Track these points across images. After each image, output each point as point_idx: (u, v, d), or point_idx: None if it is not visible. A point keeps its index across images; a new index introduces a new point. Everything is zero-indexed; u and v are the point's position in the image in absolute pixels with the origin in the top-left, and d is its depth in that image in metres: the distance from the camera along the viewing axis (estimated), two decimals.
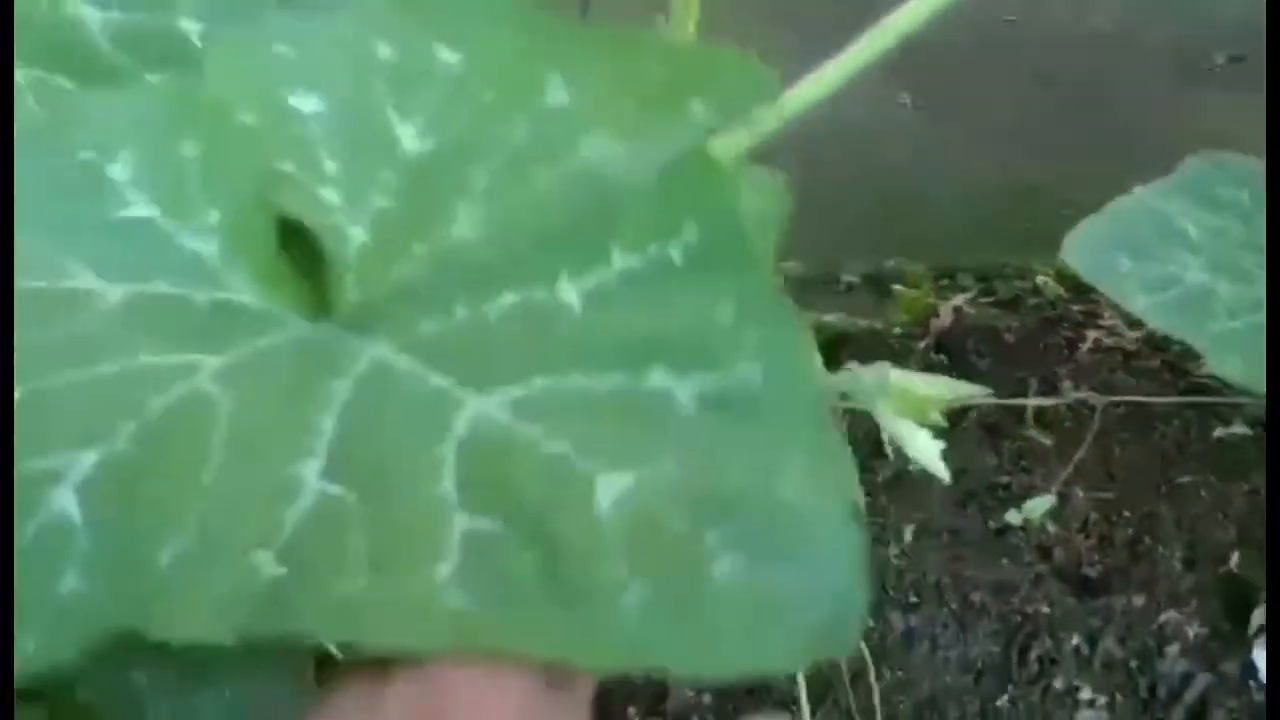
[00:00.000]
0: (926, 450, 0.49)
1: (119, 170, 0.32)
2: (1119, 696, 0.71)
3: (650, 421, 0.27)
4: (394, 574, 0.23)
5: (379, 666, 0.29)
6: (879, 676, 0.71)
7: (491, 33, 0.36)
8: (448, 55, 0.35)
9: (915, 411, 0.50)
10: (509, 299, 0.30)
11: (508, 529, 0.24)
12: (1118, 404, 0.88)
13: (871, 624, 0.72)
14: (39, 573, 0.24)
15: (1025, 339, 0.96)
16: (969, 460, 0.83)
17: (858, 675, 0.70)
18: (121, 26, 0.42)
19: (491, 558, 0.24)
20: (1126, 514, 0.80)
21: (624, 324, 0.29)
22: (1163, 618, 0.75)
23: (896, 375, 0.50)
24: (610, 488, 0.25)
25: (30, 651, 0.23)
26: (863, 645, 0.70)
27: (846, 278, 1.04)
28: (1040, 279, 1.04)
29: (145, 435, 0.27)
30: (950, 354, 0.96)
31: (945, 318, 1.00)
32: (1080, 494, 0.81)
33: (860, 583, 0.22)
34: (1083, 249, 0.67)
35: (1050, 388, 0.91)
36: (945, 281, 1.04)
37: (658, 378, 0.27)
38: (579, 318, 0.29)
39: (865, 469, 0.80)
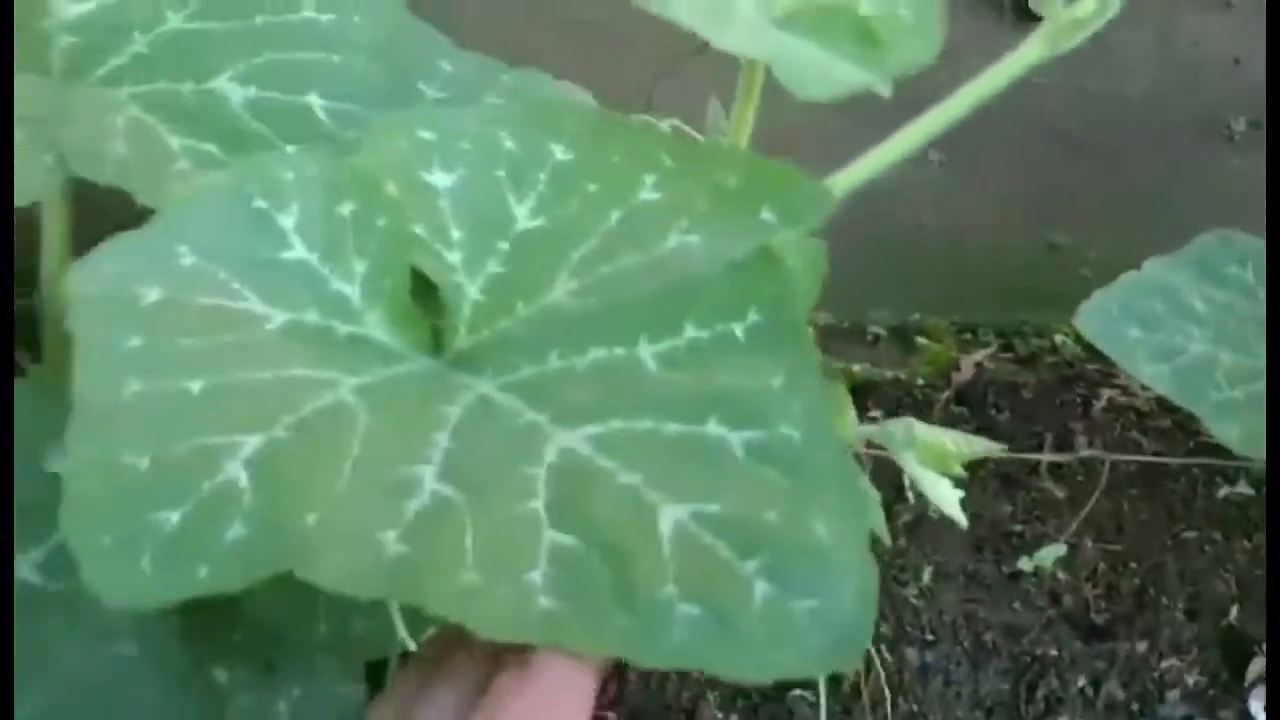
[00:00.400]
0: (947, 498, 0.55)
1: (287, 219, 0.39)
2: None
3: (706, 463, 0.33)
4: (496, 574, 0.29)
5: (429, 665, 0.35)
6: (894, 707, 0.75)
7: (598, 136, 0.42)
8: (560, 152, 0.42)
9: (938, 463, 0.55)
10: (596, 354, 0.36)
11: (587, 545, 0.30)
12: (1128, 461, 0.92)
13: (889, 658, 0.77)
14: (213, 521, 0.30)
15: (1042, 394, 1.01)
16: (985, 508, 0.88)
17: (876, 705, 0.75)
18: (257, 101, 0.49)
19: (573, 569, 0.30)
20: (1133, 565, 0.85)
21: (690, 382, 0.35)
22: (1164, 664, 0.80)
23: (921, 429, 0.55)
24: (670, 517, 0.31)
25: (202, 577, 0.29)
26: (882, 676, 0.75)
27: (873, 329, 1.09)
28: (1059, 338, 1.09)
29: (299, 428, 0.33)
30: (970, 406, 1.01)
31: (966, 371, 1.05)
32: (1090, 544, 0.86)
33: (868, 613, 0.28)
34: (1095, 318, 0.72)
35: (1064, 442, 0.96)
36: (968, 336, 1.09)
37: (714, 427, 0.33)
38: (653, 374, 0.35)
39: (888, 512, 0.85)
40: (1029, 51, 0.46)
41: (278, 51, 0.50)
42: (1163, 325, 0.73)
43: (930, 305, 1.11)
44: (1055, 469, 0.93)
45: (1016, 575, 0.84)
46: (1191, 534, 0.87)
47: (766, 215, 0.39)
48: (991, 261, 1.15)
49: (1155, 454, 0.92)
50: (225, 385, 0.33)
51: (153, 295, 0.35)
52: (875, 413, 1.00)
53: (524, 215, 0.42)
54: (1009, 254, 1.15)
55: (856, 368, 1.05)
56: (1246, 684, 0.78)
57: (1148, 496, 0.90)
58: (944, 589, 0.82)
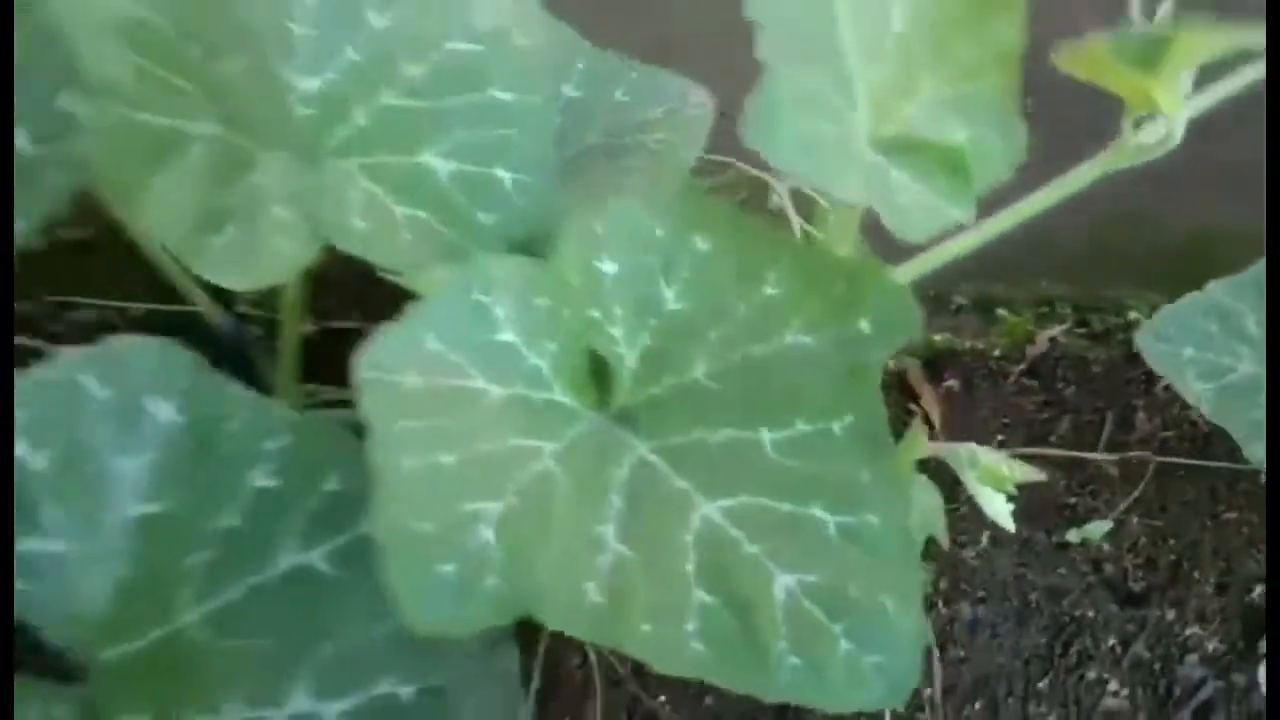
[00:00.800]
0: (1001, 512, 0.66)
1: (500, 310, 0.51)
2: (1140, 691, 0.88)
3: (809, 540, 0.45)
4: (664, 624, 0.42)
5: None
6: (945, 652, 0.89)
7: (731, 229, 0.53)
8: (701, 243, 0.53)
9: (994, 483, 0.66)
10: (727, 433, 0.49)
11: (723, 604, 0.43)
12: (1182, 440, 1.01)
13: (944, 610, 0.90)
14: (477, 573, 0.44)
15: (1110, 370, 1.10)
16: (1043, 483, 0.99)
17: (928, 652, 0.89)
18: (458, 174, 0.61)
19: (713, 622, 0.43)
20: (1172, 540, 0.96)
21: (799, 469, 0.47)
22: (1188, 631, 0.91)
23: (982, 454, 0.66)
24: (782, 583, 0.44)
25: (476, 616, 0.43)
26: (930, 629, 0.88)
27: (957, 299, 1.18)
28: (1132, 314, 1.17)
29: (521, 494, 0.46)
30: (1040, 379, 1.10)
31: (1040, 345, 1.13)
32: (1135, 520, 0.97)
33: (915, 669, 0.40)
34: (1153, 336, 0.81)
35: (1125, 420, 1.05)
36: (1045, 309, 1.17)
37: (817, 510, 0.46)
38: (770, 458, 0.48)
39: (954, 488, 0.96)
40: (1087, 171, 0.55)
41: (471, 128, 0.62)
42: (1214, 345, 0.81)
43: (1012, 278, 1.19)
44: (1112, 445, 1.03)
45: (1065, 545, 0.95)
46: (1231, 515, 0.97)
47: (864, 326, 0.50)
48: (1076, 235, 1.22)
49: (1207, 435, 1.01)
50: (468, 458, 0.46)
51: (410, 380, 0.48)
52: (951, 381, 1.10)
53: (671, 298, 0.54)
54: (1097, 226, 1.21)
55: (938, 336, 1.14)
56: (1259, 654, 0.89)
57: (1195, 476, 0.99)
58: (999, 553, 0.94)
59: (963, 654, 0.89)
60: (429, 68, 0.63)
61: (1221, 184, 1.18)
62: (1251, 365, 0.81)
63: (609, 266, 0.54)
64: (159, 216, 0.48)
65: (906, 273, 0.57)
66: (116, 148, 0.48)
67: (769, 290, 0.52)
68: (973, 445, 0.66)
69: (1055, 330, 1.16)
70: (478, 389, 0.49)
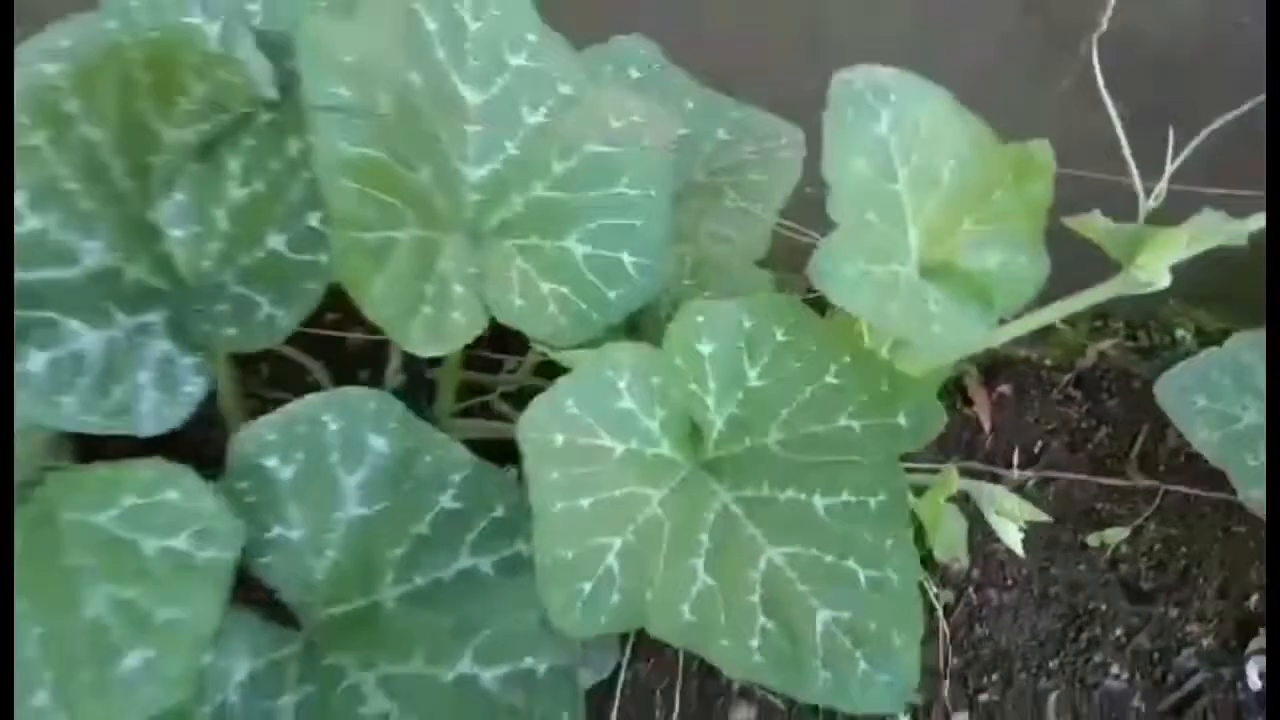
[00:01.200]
0: (1013, 540, 0.81)
1: (623, 385, 0.68)
2: (1138, 676, 1.04)
3: (844, 586, 0.62)
4: (736, 640, 0.60)
5: None
6: (971, 630, 1.05)
7: (805, 325, 0.68)
8: (780, 334, 0.69)
9: (1010, 516, 0.81)
10: (790, 493, 0.65)
11: (778, 627, 0.60)
12: (1206, 458, 1.14)
13: (974, 596, 1.06)
14: (605, 591, 0.62)
15: (1150, 386, 1.22)
16: (1076, 488, 1.13)
17: (958, 628, 1.05)
18: (592, 255, 0.76)
19: (770, 641, 0.60)
20: (1184, 549, 1.09)
21: (841, 530, 0.63)
22: (1188, 628, 1.06)
23: (1000, 495, 0.81)
24: (821, 617, 0.60)
25: (604, 623, 0.61)
26: (967, 610, 1.04)
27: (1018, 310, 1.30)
28: (1180, 332, 1.28)
29: (637, 534, 0.64)
30: (1085, 390, 1.23)
31: (1090, 357, 1.26)
32: (1153, 527, 1.11)
33: (914, 685, 0.57)
34: (1171, 387, 0.94)
35: (1157, 434, 1.18)
36: (1099, 324, 1.29)
37: (851, 563, 0.62)
38: (821, 518, 0.64)
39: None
40: (1094, 294, 0.68)
41: (603, 218, 0.77)
42: (1224, 396, 0.94)
43: (1071, 290, 1.30)
44: (1143, 459, 1.16)
45: (1087, 545, 1.10)
46: (1241, 529, 1.10)
47: (901, 420, 0.65)
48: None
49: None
50: (599, 501, 0.64)
51: (559, 440, 0.65)
52: (1005, 388, 1.23)
53: (754, 375, 0.70)
54: None
55: (997, 346, 1.27)
56: (1246, 653, 1.03)
57: (1215, 490, 1.12)
58: (1027, 549, 1.09)
59: (987, 633, 1.05)
60: (573, 164, 0.78)
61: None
62: (1256, 416, 0.93)
63: (706, 348, 0.70)
64: (379, 309, 0.66)
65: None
66: (347, 260, 0.65)
67: (830, 379, 0.67)
68: (994, 487, 0.80)
69: (1105, 344, 1.28)
70: (606, 446, 0.66)
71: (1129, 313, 1.31)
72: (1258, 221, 0.59)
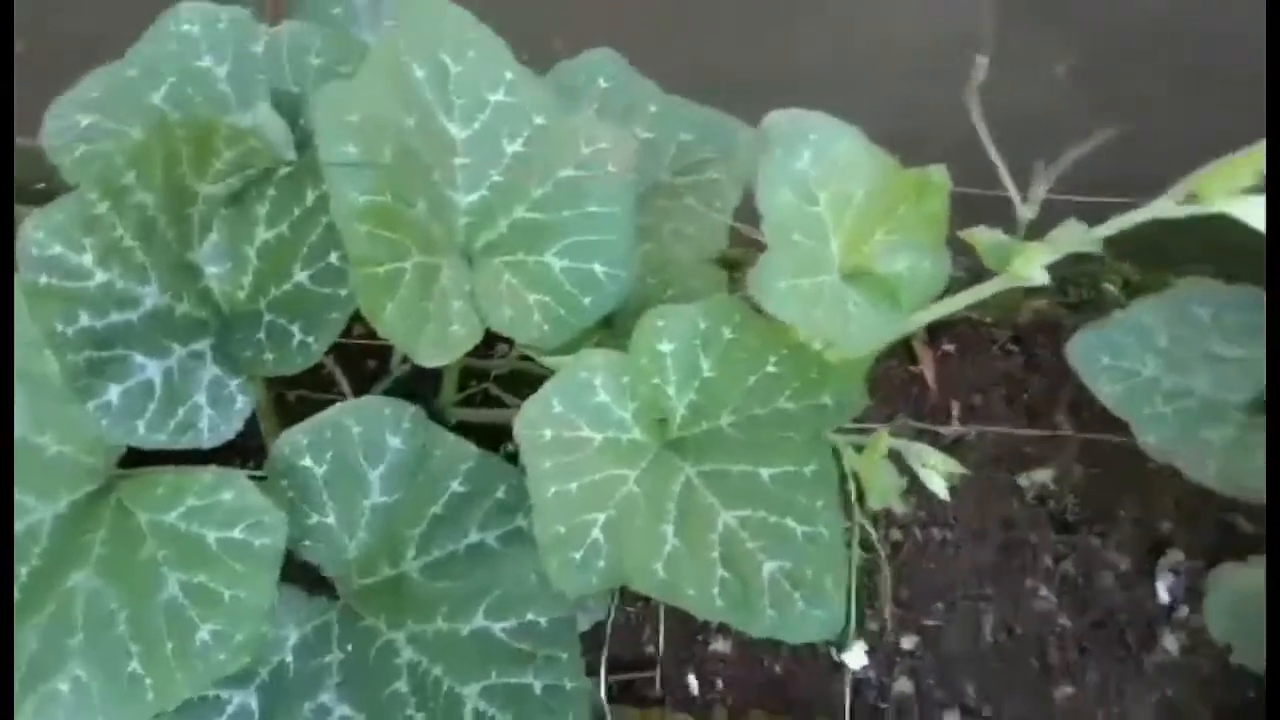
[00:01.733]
0: (939, 488, 0.95)
1: (598, 383, 0.81)
2: (1064, 596, 1.19)
3: (787, 541, 0.76)
4: (702, 590, 0.74)
5: None
6: (919, 566, 1.20)
7: (749, 325, 0.82)
8: (728, 332, 0.82)
9: (935, 469, 0.95)
10: (741, 467, 0.79)
11: (733, 577, 0.75)
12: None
13: (919, 535, 1.21)
14: (593, 558, 0.76)
15: None
16: (1011, 436, 1.27)
17: (906, 563, 1.20)
18: (568, 269, 0.89)
19: (729, 589, 0.74)
20: (1105, 486, 1.24)
21: (784, 494, 0.77)
22: (1107, 554, 1.21)
23: (927, 454, 0.94)
24: (768, 568, 0.75)
25: (594, 583, 0.75)
26: (914, 548, 1.19)
27: (956, 273, 1.43)
28: (1106, 285, 1.42)
29: (617, 507, 0.78)
30: (1022, 345, 1.37)
31: (1026, 314, 1.39)
32: (1080, 468, 1.25)
33: (843, 620, 0.71)
34: (1080, 346, 1.07)
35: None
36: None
37: (790, 521, 0.76)
38: (768, 486, 0.78)
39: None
40: (987, 288, 0.81)
41: (578, 235, 0.90)
42: (1127, 355, 1.07)
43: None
44: (1072, 404, 1.30)
45: (1019, 486, 1.24)
46: (1154, 466, 1.24)
47: (828, 400, 0.79)
48: (1064, 213, 1.45)
49: None
50: (585, 484, 0.78)
51: (548, 434, 0.79)
52: (949, 346, 1.37)
53: (707, 368, 0.83)
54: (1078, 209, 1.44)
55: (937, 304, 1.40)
56: (1155, 572, 1.19)
57: (1131, 434, 1.27)
58: (966, 491, 1.24)
59: (932, 566, 1.20)
60: (549, 188, 0.90)
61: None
62: (1153, 370, 1.07)
63: (667, 347, 0.83)
64: (391, 330, 0.79)
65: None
66: (365, 293, 0.77)
67: (770, 369, 0.81)
68: (920, 445, 0.93)
69: (1040, 301, 1.41)
70: (587, 436, 0.80)
71: (1062, 268, 1.43)
72: (1110, 228, 0.72)
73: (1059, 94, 1.36)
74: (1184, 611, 1.18)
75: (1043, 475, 1.26)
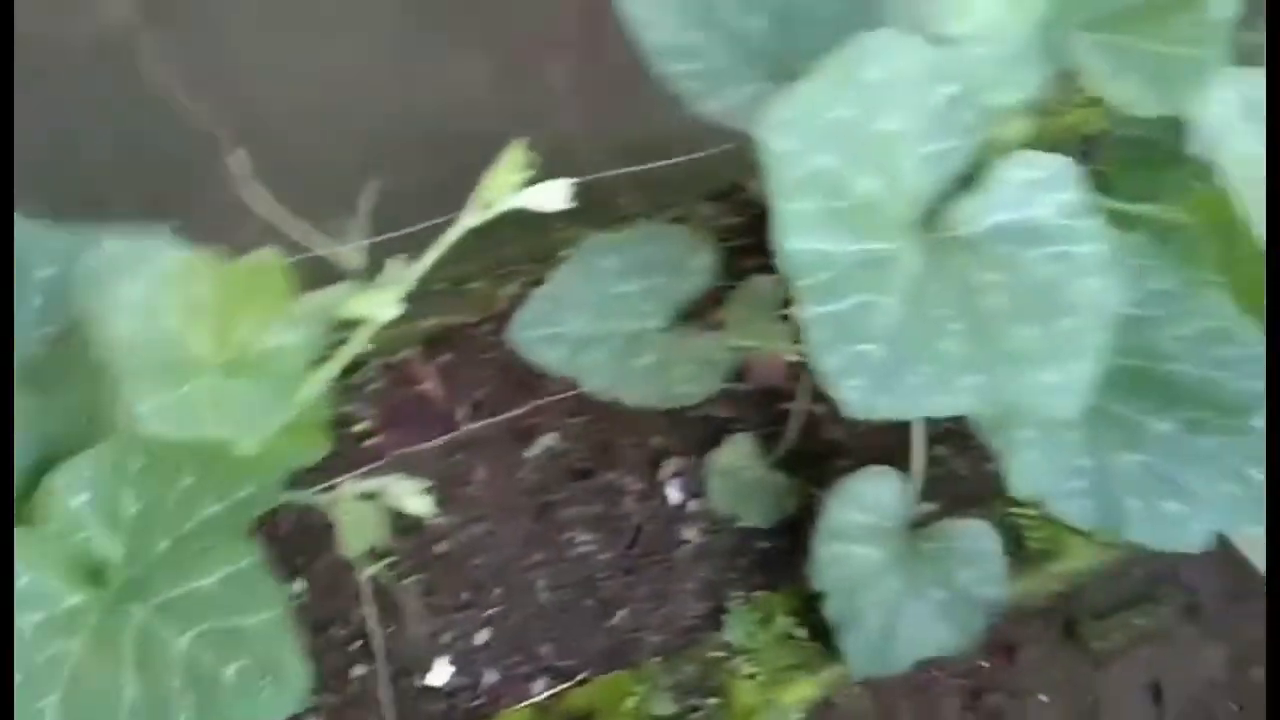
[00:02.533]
0: (420, 508, 1.03)
1: (25, 581, 0.82)
2: (599, 534, 1.34)
3: (243, 636, 0.81)
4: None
5: None
6: (474, 565, 1.30)
7: (151, 450, 0.85)
8: (135, 464, 0.85)
9: (403, 496, 1.03)
10: (188, 585, 0.83)
11: (201, 695, 0.80)
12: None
13: (459, 535, 1.31)
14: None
15: None
16: (516, 416, 1.40)
17: (457, 569, 1.30)
18: None
19: (196, 706, 0.79)
20: (602, 427, 1.40)
21: (228, 596, 0.83)
22: (622, 483, 1.37)
23: (389, 484, 1.03)
24: (229, 673, 0.80)
25: None
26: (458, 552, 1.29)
27: (439, 285, 1.51)
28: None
29: (67, 687, 0.80)
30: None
31: (502, 304, 1.51)
32: (577, 421, 1.40)
33: (303, 683, 0.78)
34: (516, 329, 1.21)
35: None
36: (503, 272, 1.52)
37: (239, 619, 0.82)
38: (216, 594, 0.83)
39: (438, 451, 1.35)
40: (355, 343, 0.91)
41: None
42: (553, 321, 1.22)
43: (472, 256, 1.54)
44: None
45: (531, 455, 1.38)
46: (642, 413, 1.41)
47: (250, 489, 0.85)
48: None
49: None
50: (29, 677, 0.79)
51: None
52: (447, 356, 1.47)
53: (129, 503, 0.86)
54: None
55: (432, 322, 1.49)
56: (660, 479, 1.37)
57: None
58: (489, 478, 1.36)
59: (482, 560, 1.32)
60: None
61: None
62: (575, 327, 1.22)
63: (79, 499, 0.84)
64: None
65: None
66: None
67: (185, 483, 0.85)
68: (381, 481, 1.01)
69: (512, 288, 1.54)
70: (21, 630, 0.81)
71: (527, 250, 1.56)
72: (431, 257, 0.83)
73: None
74: (694, 505, 1.37)
75: (549, 440, 1.40)
